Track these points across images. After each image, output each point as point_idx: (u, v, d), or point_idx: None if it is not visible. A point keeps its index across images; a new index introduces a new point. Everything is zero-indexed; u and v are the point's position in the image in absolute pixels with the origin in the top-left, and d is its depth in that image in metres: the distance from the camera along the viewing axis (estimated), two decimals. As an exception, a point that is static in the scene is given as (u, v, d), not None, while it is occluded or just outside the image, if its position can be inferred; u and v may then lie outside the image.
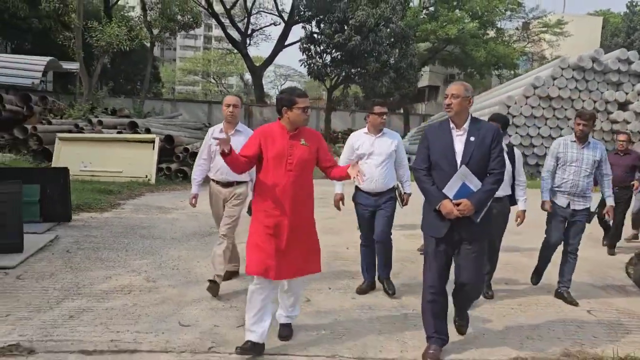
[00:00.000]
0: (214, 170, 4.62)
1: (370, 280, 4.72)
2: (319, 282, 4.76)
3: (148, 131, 12.23)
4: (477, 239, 3.40)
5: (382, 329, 3.87)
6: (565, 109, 17.17)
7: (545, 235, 4.91)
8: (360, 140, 4.61)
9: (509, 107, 17.25)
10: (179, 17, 19.74)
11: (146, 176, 10.91)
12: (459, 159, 3.36)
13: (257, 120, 26.29)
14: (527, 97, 17.27)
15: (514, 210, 4.66)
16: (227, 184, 4.58)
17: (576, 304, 4.64)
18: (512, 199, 4.70)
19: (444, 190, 3.33)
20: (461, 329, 3.81)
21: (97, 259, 5.31)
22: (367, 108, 5.01)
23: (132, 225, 6.97)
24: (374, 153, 4.54)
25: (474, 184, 3.31)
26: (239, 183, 4.60)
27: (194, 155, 11.06)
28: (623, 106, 17.43)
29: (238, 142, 4.18)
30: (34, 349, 3.22)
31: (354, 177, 3.31)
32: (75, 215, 7.16)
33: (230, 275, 4.87)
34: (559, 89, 17.12)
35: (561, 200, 4.73)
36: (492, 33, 33.16)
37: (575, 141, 4.73)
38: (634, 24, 37.14)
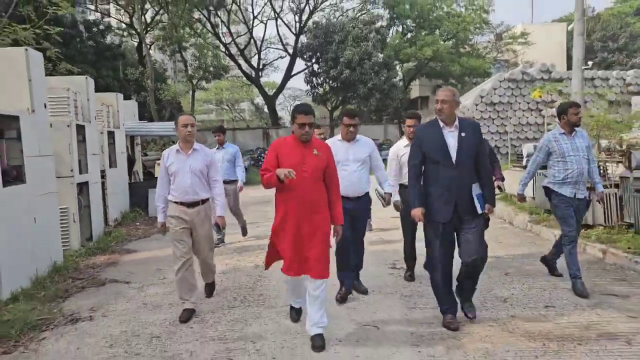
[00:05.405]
0: (176, 192, 4.34)
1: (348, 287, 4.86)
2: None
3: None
4: (476, 217, 3.74)
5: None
6: (506, 111, 22.88)
7: (563, 229, 4.80)
8: (335, 147, 4.42)
9: (464, 113, 23.08)
10: (211, 68, 25.92)
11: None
12: (452, 151, 3.67)
13: (274, 142, 31.46)
14: (476, 105, 23.08)
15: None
16: (193, 204, 4.35)
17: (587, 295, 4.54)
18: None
19: (477, 206, 3.70)
20: (471, 310, 3.98)
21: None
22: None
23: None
24: (349, 159, 4.59)
25: (477, 188, 3.77)
26: (203, 201, 4.43)
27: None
28: (549, 105, 23.15)
29: (196, 161, 4.29)
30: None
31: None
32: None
33: (189, 313, 4.39)
34: (499, 96, 22.88)
35: (567, 191, 4.75)
36: (467, 48, 38.96)
37: (564, 133, 4.74)
38: (590, 27, 42.76)
